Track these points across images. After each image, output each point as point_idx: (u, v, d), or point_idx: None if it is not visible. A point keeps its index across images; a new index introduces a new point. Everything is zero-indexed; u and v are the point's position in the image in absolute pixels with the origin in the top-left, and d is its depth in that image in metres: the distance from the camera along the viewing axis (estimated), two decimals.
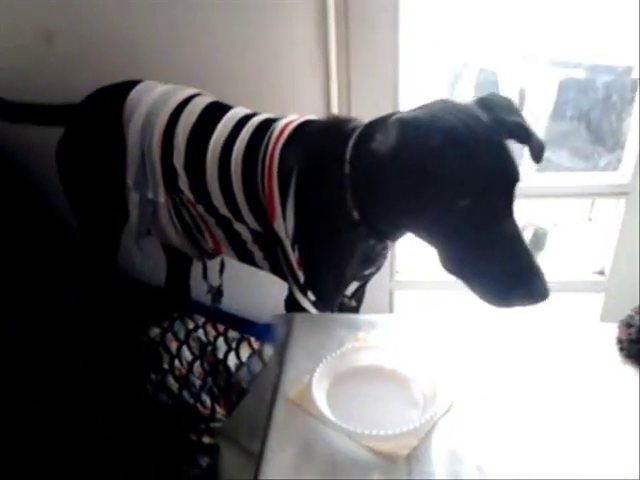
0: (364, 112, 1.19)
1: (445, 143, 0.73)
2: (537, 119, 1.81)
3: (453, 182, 0.73)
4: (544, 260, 1.84)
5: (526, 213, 1.74)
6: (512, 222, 0.77)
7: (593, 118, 1.64)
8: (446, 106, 0.79)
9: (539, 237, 1.78)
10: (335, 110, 1.38)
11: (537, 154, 0.81)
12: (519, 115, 0.81)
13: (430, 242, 0.82)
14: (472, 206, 0.74)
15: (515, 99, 1.91)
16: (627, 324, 0.88)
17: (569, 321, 1.04)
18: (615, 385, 0.85)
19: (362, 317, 1.05)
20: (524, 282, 0.74)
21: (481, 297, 0.79)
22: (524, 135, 0.80)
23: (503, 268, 0.75)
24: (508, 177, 0.76)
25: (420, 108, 0.80)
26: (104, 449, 1.10)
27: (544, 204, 1.71)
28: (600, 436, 0.75)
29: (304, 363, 0.84)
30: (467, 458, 0.71)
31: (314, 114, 1.04)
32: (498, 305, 0.77)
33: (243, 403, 1.13)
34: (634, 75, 1.46)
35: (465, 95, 1.85)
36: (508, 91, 1.84)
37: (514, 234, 0.76)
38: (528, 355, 0.90)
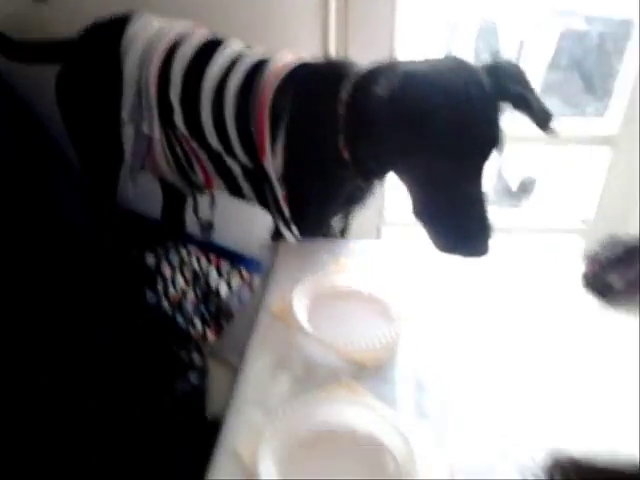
0: (360, 54, 1.21)
1: (441, 104, 0.76)
2: (535, 69, 1.82)
3: (438, 141, 0.78)
4: (531, 206, 1.90)
5: (518, 159, 1.78)
6: (479, 183, 0.81)
7: (591, 68, 1.65)
8: (454, 66, 0.81)
9: (526, 185, 1.82)
10: (332, 50, 1.40)
11: (542, 124, 0.83)
12: (525, 86, 0.83)
13: (406, 186, 0.87)
14: (448, 164, 0.79)
15: (515, 49, 1.92)
16: (592, 259, 0.94)
17: (544, 257, 1.09)
18: (577, 317, 0.91)
19: (344, 243, 1.11)
20: (471, 241, 0.80)
21: (432, 243, 0.84)
22: (525, 106, 0.82)
23: (458, 224, 0.81)
24: (488, 146, 0.80)
25: (430, 62, 0.83)
26: (101, 360, 1.18)
27: (538, 150, 1.74)
28: (555, 360, 0.81)
29: (287, 283, 0.90)
30: (430, 368, 0.78)
31: (310, 53, 1.06)
32: (443, 252, 0.83)
33: (231, 325, 1.20)
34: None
35: (464, 44, 1.85)
36: (508, 41, 1.85)
37: (477, 195, 0.81)
38: (501, 284, 0.97)
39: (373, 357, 0.78)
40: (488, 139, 0.80)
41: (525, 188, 1.77)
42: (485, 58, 0.88)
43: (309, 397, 0.70)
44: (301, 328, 0.80)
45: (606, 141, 1.42)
